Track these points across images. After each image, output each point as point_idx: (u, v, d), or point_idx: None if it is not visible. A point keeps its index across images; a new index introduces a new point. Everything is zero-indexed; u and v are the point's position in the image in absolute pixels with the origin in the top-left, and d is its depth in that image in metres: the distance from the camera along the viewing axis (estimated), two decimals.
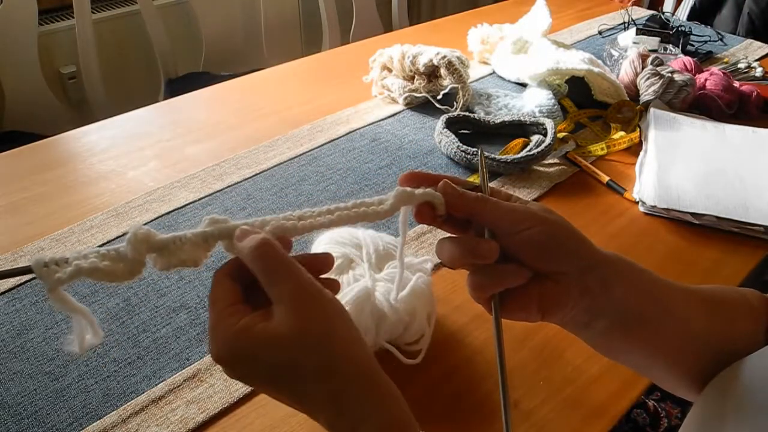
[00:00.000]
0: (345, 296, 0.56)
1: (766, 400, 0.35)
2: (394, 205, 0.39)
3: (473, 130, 1.01)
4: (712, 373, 0.40)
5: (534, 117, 0.98)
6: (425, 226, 0.79)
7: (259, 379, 0.35)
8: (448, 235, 0.41)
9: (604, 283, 0.38)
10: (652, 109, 1.04)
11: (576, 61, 1.08)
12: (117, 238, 0.77)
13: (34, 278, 0.70)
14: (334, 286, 0.40)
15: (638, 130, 1.01)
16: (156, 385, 0.59)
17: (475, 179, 0.90)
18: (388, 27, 2.11)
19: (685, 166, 0.91)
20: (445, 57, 1.04)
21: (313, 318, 0.34)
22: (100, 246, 0.75)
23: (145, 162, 0.93)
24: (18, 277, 0.70)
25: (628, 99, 1.08)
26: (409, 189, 0.39)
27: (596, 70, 1.06)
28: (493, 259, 0.38)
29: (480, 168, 0.43)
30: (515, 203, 0.39)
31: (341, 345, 0.34)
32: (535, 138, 0.96)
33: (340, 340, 0.35)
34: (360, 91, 1.14)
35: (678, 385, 0.43)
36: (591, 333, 0.40)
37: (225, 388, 0.59)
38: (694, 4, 2.00)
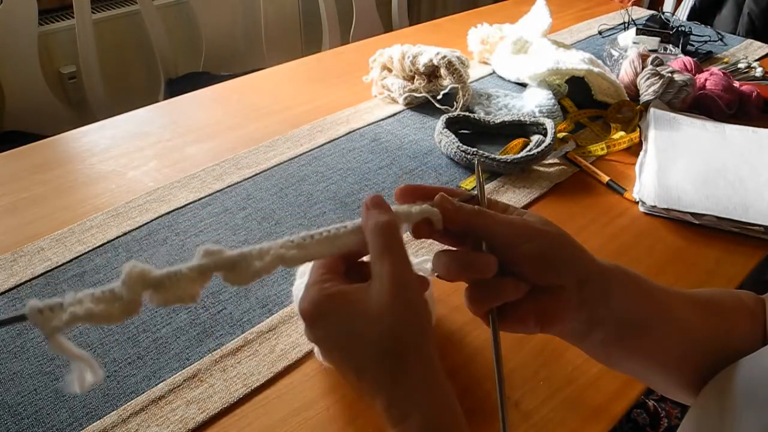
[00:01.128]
0: None
1: (764, 400, 0.35)
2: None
3: (473, 130, 1.01)
4: (710, 378, 0.40)
5: (534, 117, 0.98)
6: None
7: (334, 344, 0.36)
8: (445, 247, 0.41)
9: (602, 295, 0.38)
10: (652, 109, 1.04)
11: (576, 61, 1.08)
12: (117, 238, 0.77)
13: (34, 278, 0.71)
14: (425, 284, 0.41)
15: (638, 130, 1.01)
16: (156, 385, 0.59)
17: (473, 181, 0.90)
18: (388, 27, 2.11)
19: (685, 166, 0.91)
20: (445, 57, 1.04)
21: (404, 303, 0.35)
22: (99, 247, 0.76)
23: (145, 162, 0.93)
24: (18, 278, 0.71)
25: (628, 99, 1.08)
26: (406, 208, 0.39)
27: (596, 70, 1.06)
28: (490, 274, 0.37)
29: (477, 177, 0.42)
30: (512, 216, 0.39)
31: (415, 335, 0.35)
32: (535, 138, 0.96)
33: (416, 331, 0.35)
34: (360, 91, 1.14)
35: (677, 391, 0.43)
36: (590, 343, 0.40)
37: (225, 388, 0.59)
38: (694, 4, 2.00)
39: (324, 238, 0.38)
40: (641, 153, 0.96)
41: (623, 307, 0.39)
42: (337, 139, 0.99)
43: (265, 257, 0.36)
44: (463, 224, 0.38)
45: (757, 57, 1.32)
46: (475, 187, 0.54)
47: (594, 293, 0.38)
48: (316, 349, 0.61)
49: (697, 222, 0.82)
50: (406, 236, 0.38)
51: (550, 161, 0.94)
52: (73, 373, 0.33)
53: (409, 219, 0.38)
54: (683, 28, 1.36)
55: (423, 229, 0.39)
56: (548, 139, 0.92)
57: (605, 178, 0.90)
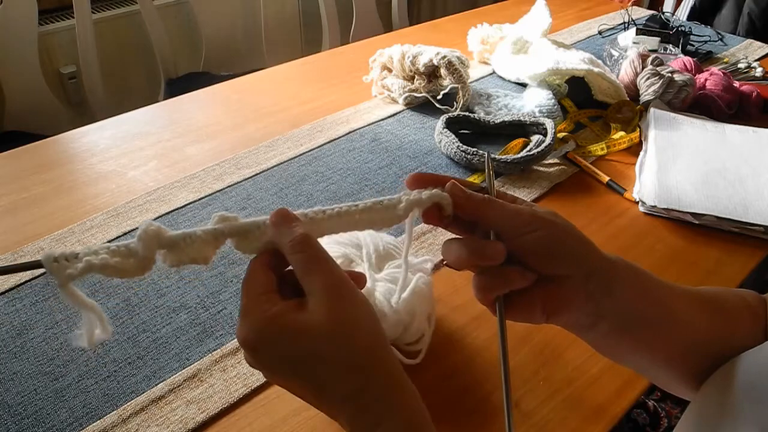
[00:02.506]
0: None
1: (764, 396, 0.35)
2: (407, 209, 0.39)
3: (473, 130, 1.01)
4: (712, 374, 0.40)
5: (534, 117, 0.98)
6: (426, 226, 0.79)
7: (282, 369, 0.35)
8: (454, 236, 0.42)
9: (608, 287, 0.39)
10: (652, 109, 1.04)
11: (576, 61, 1.08)
12: (117, 238, 0.77)
13: (34, 278, 0.71)
14: (361, 280, 0.41)
15: (638, 130, 1.01)
16: (156, 385, 0.59)
17: (474, 179, 0.90)
18: (388, 27, 2.11)
19: (685, 166, 0.91)
20: (445, 57, 1.04)
21: (343, 312, 0.35)
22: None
23: (145, 162, 0.93)
24: (18, 277, 0.70)
25: (628, 99, 1.08)
26: (416, 193, 0.39)
27: (596, 70, 1.06)
28: (499, 260, 0.38)
29: (486, 170, 0.43)
30: (522, 206, 0.40)
31: (368, 341, 0.35)
32: (535, 138, 0.96)
33: (367, 337, 0.35)
34: (360, 91, 1.14)
35: (680, 387, 0.43)
36: (594, 335, 0.41)
37: (225, 388, 0.59)
38: (694, 4, 2.00)
39: (335, 214, 0.38)
40: (641, 153, 0.96)
41: (626, 301, 0.39)
42: (337, 139, 0.99)
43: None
44: (473, 212, 0.39)
45: (757, 57, 1.32)
46: (484, 180, 0.54)
47: (599, 285, 0.38)
48: None
49: (697, 222, 0.82)
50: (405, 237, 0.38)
51: (550, 161, 0.94)
52: (83, 327, 0.33)
53: (419, 204, 0.39)
54: (683, 28, 1.36)
55: (433, 214, 0.39)
56: (548, 139, 0.92)
57: (605, 178, 0.90)
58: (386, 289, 0.59)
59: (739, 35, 1.57)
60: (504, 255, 0.38)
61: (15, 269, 0.33)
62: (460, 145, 0.91)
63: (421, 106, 1.09)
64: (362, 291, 0.57)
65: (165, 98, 1.60)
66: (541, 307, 0.39)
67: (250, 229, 0.37)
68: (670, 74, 1.06)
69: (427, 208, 0.39)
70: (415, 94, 1.08)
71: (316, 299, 0.35)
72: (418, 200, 0.39)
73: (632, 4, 1.61)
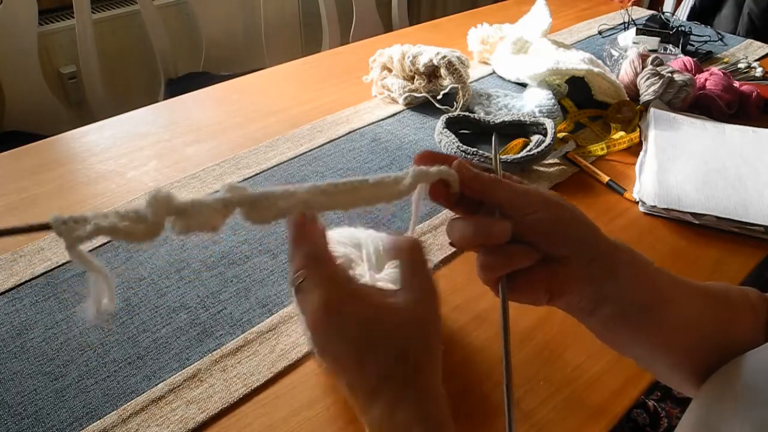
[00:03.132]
0: None
1: (764, 397, 0.35)
2: (412, 184, 0.39)
3: (473, 130, 1.01)
4: (713, 370, 0.40)
5: (534, 117, 0.98)
6: (425, 226, 0.79)
7: (350, 341, 0.36)
8: (458, 216, 0.42)
9: (611, 271, 0.39)
10: (652, 109, 1.04)
11: (576, 61, 1.08)
12: None
13: (33, 278, 0.71)
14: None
15: (638, 130, 1.01)
16: (156, 385, 0.59)
17: None
18: (388, 27, 2.11)
19: (685, 166, 0.91)
20: (445, 57, 1.04)
21: (431, 317, 0.38)
22: (100, 247, 0.75)
23: (145, 162, 0.93)
24: (18, 277, 0.70)
25: (628, 99, 1.08)
26: (425, 167, 0.39)
27: (596, 70, 1.06)
28: (505, 239, 0.38)
29: (493, 151, 0.43)
30: (529, 186, 0.40)
31: (436, 348, 0.38)
32: (535, 138, 0.96)
33: (438, 345, 0.38)
34: (360, 91, 1.14)
35: (681, 381, 0.43)
36: (595, 321, 0.41)
37: (225, 388, 0.59)
38: (694, 4, 2.00)
39: (351, 187, 0.38)
40: (641, 153, 0.96)
41: (629, 286, 0.39)
42: (337, 139, 0.99)
43: (289, 199, 0.37)
44: (481, 190, 0.39)
45: (757, 57, 1.32)
46: (492, 161, 0.55)
47: (603, 268, 0.39)
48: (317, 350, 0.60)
49: (697, 222, 0.82)
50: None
51: (550, 161, 0.94)
52: (90, 297, 0.33)
53: (427, 178, 0.39)
54: (683, 28, 1.36)
55: (440, 190, 0.40)
56: (548, 139, 0.92)
57: (605, 178, 0.90)
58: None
59: (739, 35, 1.57)
60: (510, 233, 0.38)
61: (22, 231, 0.33)
62: (460, 145, 0.91)
63: (421, 106, 1.09)
64: None
65: (165, 98, 1.60)
66: (544, 287, 0.39)
67: (259, 199, 0.37)
68: (670, 74, 1.06)
69: (433, 185, 0.39)
70: (415, 94, 1.08)
71: (412, 296, 0.37)
72: (426, 173, 0.39)
73: (632, 4, 1.61)
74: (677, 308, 0.40)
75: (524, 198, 0.38)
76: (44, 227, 0.32)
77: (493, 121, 0.99)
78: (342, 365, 0.37)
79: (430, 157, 0.41)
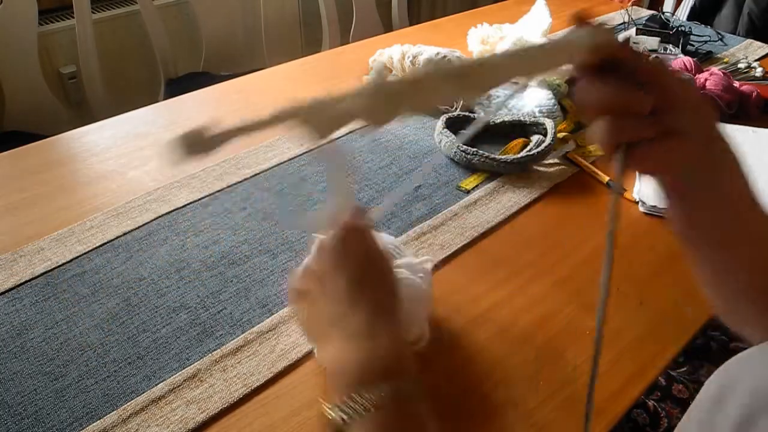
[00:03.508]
0: None
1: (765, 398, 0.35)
2: (592, 40, 0.40)
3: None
4: None
5: (534, 117, 0.98)
6: (425, 226, 0.79)
7: (352, 275, 0.46)
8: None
9: (722, 162, 0.41)
10: None
11: None
12: (117, 238, 0.77)
13: (33, 278, 0.71)
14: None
15: None
16: (156, 385, 0.59)
17: (475, 179, 0.90)
18: (388, 27, 2.11)
19: None
20: (445, 57, 1.04)
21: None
22: (99, 247, 0.75)
23: (145, 162, 0.93)
24: (18, 277, 0.71)
25: None
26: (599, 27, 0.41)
27: None
28: (645, 111, 0.38)
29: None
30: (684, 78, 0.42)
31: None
32: (535, 138, 0.96)
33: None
34: None
35: (746, 317, 0.44)
36: (684, 207, 0.43)
37: (225, 388, 0.59)
38: (694, 4, 2.01)
39: (518, 54, 0.41)
40: None
41: (731, 186, 0.42)
42: (337, 139, 0.99)
43: (496, 68, 0.40)
44: (648, 71, 0.39)
45: (757, 57, 1.32)
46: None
47: (715, 156, 0.40)
48: (316, 350, 0.60)
49: None
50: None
51: (550, 161, 0.94)
52: (329, 193, 0.37)
53: (608, 39, 0.41)
54: (683, 28, 1.36)
55: (593, 60, 0.41)
56: (548, 139, 0.92)
57: (605, 178, 0.90)
58: None
59: (739, 35, 1.57)
60: (650, 108, 0.38)
61: (266, 124, 0.37)
62: (460, 145, 0.91)
63: None
64: None
65: (165, 98, 1.60)
66: (657, 157, 0.39)
67: (467, 72, 0.39)
68: None
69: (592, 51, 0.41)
70: None
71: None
72: (609, 33, 0.40)
73: (632, 4, 1.61)
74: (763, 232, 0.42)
75: (687, 91, 0.39)
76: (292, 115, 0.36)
77: (493, 121, 0.99)
78: (333, 297, 0.45)
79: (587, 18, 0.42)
